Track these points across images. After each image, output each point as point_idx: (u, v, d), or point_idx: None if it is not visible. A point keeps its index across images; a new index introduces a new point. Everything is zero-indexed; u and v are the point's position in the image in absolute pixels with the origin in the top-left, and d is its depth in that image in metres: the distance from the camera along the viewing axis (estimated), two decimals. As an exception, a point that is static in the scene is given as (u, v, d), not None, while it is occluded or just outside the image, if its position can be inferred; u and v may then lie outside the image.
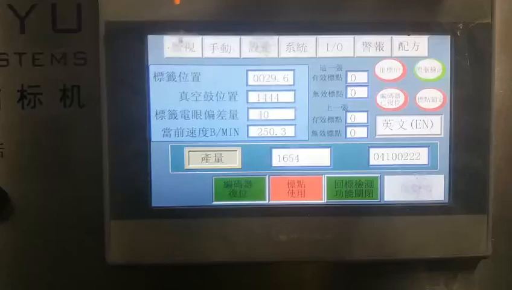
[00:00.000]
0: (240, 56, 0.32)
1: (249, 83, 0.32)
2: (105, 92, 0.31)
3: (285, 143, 0.32)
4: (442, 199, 0.33)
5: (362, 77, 0.32)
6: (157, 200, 0.32)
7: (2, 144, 0.33)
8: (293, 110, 0.32)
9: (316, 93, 0.32)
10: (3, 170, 0.33)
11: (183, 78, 0.32)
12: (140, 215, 0.32)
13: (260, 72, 0.32)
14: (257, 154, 0.32)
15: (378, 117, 0.33)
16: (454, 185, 0.32)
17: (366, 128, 0.33)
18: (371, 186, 0.33)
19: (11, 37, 0.32)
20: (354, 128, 0.32)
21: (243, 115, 0.32)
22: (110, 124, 0.31)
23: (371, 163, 0.33)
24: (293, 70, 0.32)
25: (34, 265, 0.34)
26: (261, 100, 0.32)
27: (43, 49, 0.32)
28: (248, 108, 0.32)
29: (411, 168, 0.33)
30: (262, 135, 0.32)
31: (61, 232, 0.33)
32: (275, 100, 0.32)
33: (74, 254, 0.33)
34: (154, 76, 0.32)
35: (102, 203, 0.32)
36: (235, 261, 0.32)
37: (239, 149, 0.32)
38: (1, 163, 0.33)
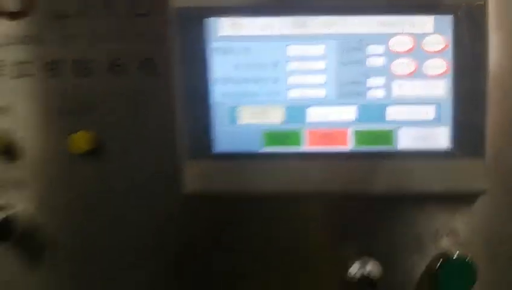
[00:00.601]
0: (281, 33, 0.37)
1: (288, 55, 0.37)
2: (176, 64, 0.37)
3: (318, 103, 0.37)
4: (446, 146, 0.37)
5: (380, 49, 0.36)
6: (219, 147, 0.38)
7: (96, 105, 0.40)
8: (325, 76, 0.37)
9: (343, 63, 0.37)
10: (96, 124, 0.40)
11: (235, 52, 0.37)
12: (206, 157, 0.38)
13: (297, 46, 0.37)
14: (295, 112, 0.37)
15: (393, 82, 0.37)
16: (456, 134, 0.36)
17: (383, 90, 0.37)
18: (388, 136, 0.37)
19: (99, 19, 0.39)
20: (374, 90, 0.37)
21: (283, 81, 0.37)
22: (181, 89, 0.37)
23: (387, 118, 0.37)
24: (324, 44, 0.37)
25: (119, 200, 0.40)
26: (298, 68, 0.37)
27: (125, 27, 0.38)
28: (287, 75, 0.37)
29: (420, 122, 0.37)
30: (300, 97, 0.38)
31: (142, 173, 0.40)
32: (310, 68, 0.37)
33: (155, 188, 0.40)
34: (213, 51, 0.37)
35: (176, 149, 0.39)
36: (279, 192, 0.38)
37: (281, 108, 0.38)
38: (94, 119, 0.40)
